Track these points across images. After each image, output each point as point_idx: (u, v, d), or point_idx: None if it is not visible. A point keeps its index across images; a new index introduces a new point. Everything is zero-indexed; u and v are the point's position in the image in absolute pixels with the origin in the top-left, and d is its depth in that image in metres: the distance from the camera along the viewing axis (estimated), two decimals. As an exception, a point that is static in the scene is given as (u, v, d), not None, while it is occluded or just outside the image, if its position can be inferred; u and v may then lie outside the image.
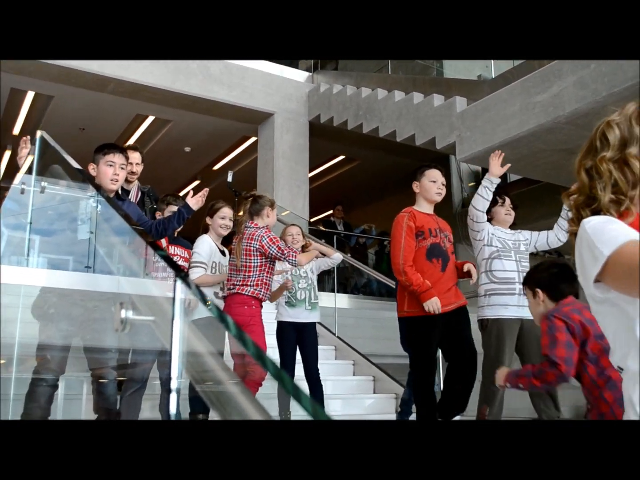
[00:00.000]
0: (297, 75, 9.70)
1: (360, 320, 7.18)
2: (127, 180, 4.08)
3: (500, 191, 3.99)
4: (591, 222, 1.22)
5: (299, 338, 4.40)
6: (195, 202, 3.54)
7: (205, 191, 3.61)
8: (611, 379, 2.25)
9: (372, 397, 5.37)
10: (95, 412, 3.01)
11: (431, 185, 3.70)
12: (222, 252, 4.09)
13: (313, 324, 4.51)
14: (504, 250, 3.84)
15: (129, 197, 4.16)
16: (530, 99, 5.43)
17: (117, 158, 3.33)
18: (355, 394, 5.44)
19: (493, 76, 6.84)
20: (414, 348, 3.69)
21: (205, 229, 4.11)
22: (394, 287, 5.25)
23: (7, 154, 11.31)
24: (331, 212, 11.21)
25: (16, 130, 10.26)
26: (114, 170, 3.29)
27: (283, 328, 4.40)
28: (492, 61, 7.29)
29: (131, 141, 10.53)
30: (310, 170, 9.64)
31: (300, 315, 4.42)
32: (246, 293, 3.76)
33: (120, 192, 3.51)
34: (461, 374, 3.54)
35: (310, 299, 4.47)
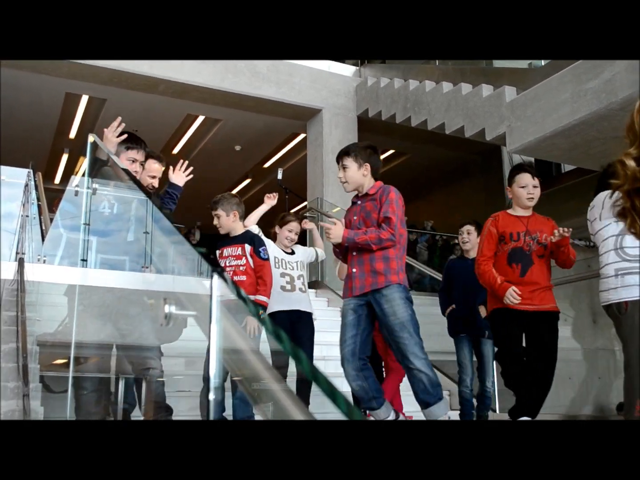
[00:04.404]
0: (344, 69, 9.70)
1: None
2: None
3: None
4: None
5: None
6: (176, 177, 3.77)
7: (184, 163, 3.82)
8: None
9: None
10: (144, 410, 3.05)
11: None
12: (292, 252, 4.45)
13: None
14: None
15: None
16: (581, 86, 5.31)
17: (139, 155, 3.35)
18: (408, 391, 5.40)
19: (543, 64, 6.71)
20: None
21: (274, 238, 4.42)
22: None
23: (65, 157, 11.67)
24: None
25: (72, 134, 10.54)
26: (135, 167, 3.29)
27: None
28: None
29: (183, 141, 10.70)
30: (360, 165, 9.63)
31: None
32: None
33: None
34: (536, 378, 3.50)
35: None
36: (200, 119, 9.99)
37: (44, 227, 5.18)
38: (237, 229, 4.07)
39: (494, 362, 4.59)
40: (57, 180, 12.60)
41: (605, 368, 5.83)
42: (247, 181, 12.78)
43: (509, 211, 3.77)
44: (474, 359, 4.68)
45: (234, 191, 12.99)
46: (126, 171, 2.15)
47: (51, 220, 5.37)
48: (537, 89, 5.88)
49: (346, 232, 3.28)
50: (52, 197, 7.42)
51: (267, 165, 11.80)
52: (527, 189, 3.66)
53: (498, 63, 9.08)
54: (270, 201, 4.50)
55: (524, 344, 3.65)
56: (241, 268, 3.92)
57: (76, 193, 2.76)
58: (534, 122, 5.84)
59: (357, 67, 9.79)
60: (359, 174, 3.43)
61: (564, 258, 3.66)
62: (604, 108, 5.10)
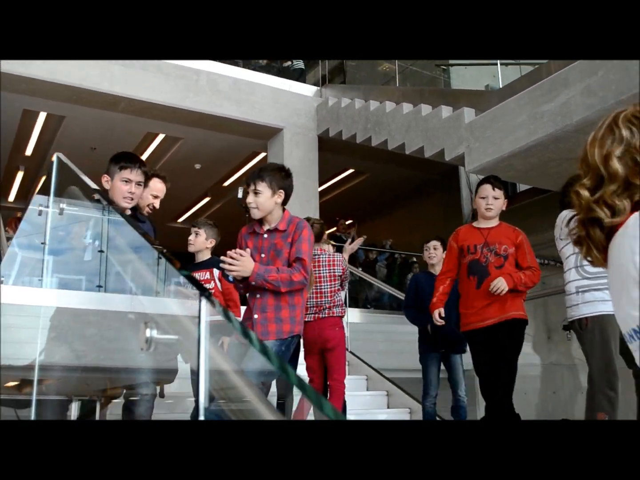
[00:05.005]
0: (306, 89, 9.75)
1: (372, 334, 7.17)
2: (140, 213, 3.70)
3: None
4: None
5: None
6: None
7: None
8: None
9: (386, 412, 5.35)
10: None
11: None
12: None
13: None
14: None
15: None
16: (538, 109, 5.45)
17: (134, 175, 3.09)
18: (368, 409, 5.43)
19: (500, 86, 6.86)
20: None
21: None
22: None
23: (20, 174, 11.45)
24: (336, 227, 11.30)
25: (29, 151, 10.37)
26: (129, 188, 3.07)
27: None
28: (500, 71, 7.31)
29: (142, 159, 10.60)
30: (320, 184, 9.68)
31: None
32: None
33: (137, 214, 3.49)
34: (489, 389, 3.58)
35: None
36: (161, 137, 9.92)
37: None
38: (205, 255, 4.21)
39: (464, 372, 4.66)
40: (12, 197, 12.36)
41: (560, 383, 5.94)
42: (207, 199, 12.72)
43: (474, 224, 3.89)
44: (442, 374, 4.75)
45: (194, 209, 12.92)
46: (98, 192, 2.12)
47: (8, 239, 5.26)
48: (495, 111, 6.00)
49: (257, 267, 2.95)
50: (5, 215, 7.28)
51: (226, 183, 11.76)
52: (486, 200, 3.78)
53: (456, 84, 9.26)
54: None
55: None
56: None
57: (40, 213, 2.70)
58: (492, 143, 5.95)
59: (318, 88, 9.86)
60: (272, 202, 3.14)
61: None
62: (559, 130, 5.23)
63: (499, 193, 3.82)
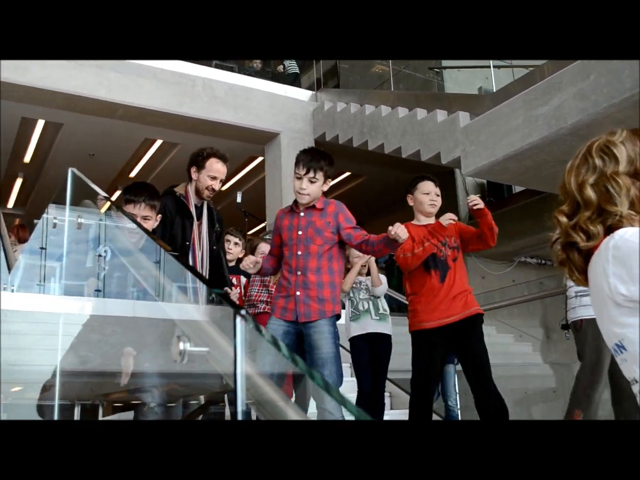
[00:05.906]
0: (301, 94, 9.81)
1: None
2: (200, 197, 3.76)
3: None
4: (636, 233, 1.25)
5: (372, 351, 4.42)
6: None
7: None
8: None
9: (389, 414, 5.38)
10: None
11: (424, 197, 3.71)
12: None
13: (386, 337, 4.51)
14: None
15: (202, 214, 3.78)
16: (532, 112, 5.53)
17: (137, 209, 2.97)
18: (371, 410, 5.47)
19: (494, 88, 6.93)
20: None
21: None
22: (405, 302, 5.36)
23: (19, 181, 11.50)
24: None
25: (27, 159, 10.41)
26: None
27: (354, 343, 4.46)
28: (493, 73, 7.39)
29: (140, 165, 10.66)
30: (317, 188, 9.71)
31: (367, 326, 4.47)
32: None
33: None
34: (472, 388, 3.43)
35: (377, 309, 4.53)
36: (158, 143, 9.98)
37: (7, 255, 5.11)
38: (233, 262, 4.41)
39: (456, 382, 4.71)
40: (11, 204, 12.40)
41: (560, 382, 6.03)
42: (204, 204, 12.79)
43: (414, 222, 3.75)
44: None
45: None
46: (113, 203, 2.18)
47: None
48: (489, 114, 6.08)
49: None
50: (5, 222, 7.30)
51: (225, 188, 11.81)
52: (429, 196, 3.67)
53: (450, 87, 9.33)
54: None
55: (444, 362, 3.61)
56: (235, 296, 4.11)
57: (54, 225, 2.76)
58: (487, 147, 6.03)
59: (313, 92, 9.91)
60: (320, 190, 3.25)
61: (486, 228, 3.53)
62: (554, 133, 5.31)
63: (438, 190, 3.74)
